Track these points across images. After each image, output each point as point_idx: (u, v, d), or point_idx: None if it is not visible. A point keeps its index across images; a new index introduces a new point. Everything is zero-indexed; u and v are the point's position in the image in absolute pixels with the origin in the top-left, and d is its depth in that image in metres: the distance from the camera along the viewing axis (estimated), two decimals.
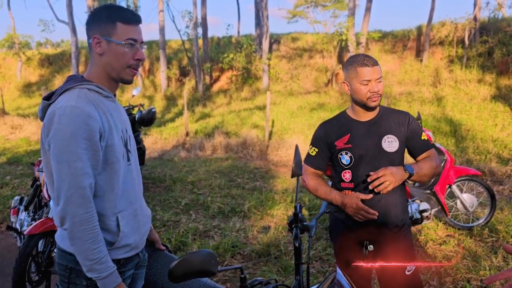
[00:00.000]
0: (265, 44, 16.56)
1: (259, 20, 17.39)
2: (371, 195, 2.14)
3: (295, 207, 1.80)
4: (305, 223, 1.79)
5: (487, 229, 4.65)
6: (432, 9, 15.24)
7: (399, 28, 18.66)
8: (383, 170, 2.06)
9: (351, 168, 2.19)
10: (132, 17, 1.60)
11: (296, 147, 1.92)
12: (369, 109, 2.16)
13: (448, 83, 13.70)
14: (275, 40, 19.35)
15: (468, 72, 13.77)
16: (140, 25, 1.65)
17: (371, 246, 2.23)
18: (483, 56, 14.19)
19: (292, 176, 1.87)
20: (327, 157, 2.28)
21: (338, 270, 1.54)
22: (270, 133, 11.00)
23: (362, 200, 2.13)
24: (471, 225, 4.73)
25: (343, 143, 2.18)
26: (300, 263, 1.70)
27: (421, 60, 15.20)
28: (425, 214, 4.34)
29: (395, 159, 2.18)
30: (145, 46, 1.70)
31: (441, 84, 13.77)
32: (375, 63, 2.09)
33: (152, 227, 2.00)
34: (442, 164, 4.67)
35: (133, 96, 7.22)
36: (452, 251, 4.16)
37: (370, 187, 2.07)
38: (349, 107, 2.29)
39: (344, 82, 2.19)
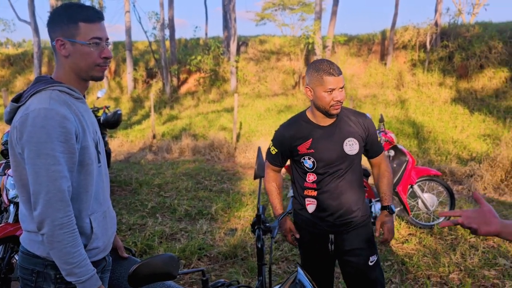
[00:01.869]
0: (233, 47, 16.57)
1: (227, 22, 17.39)
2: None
3: (258, 209, 1.82)
4: (267, 224, 1.81)
5: (446, 227, 4.82)
6: (396, 14, 15.66)
7: (364, 32, 19.09)
8: (386, 236, 2.39)
9: (314, 171, 2.25)
10: (94, 15, 1.57)
11: (259, 149, 1.94)
12: (330, 116, 2.20)
13: (411, 86, 14.10)
14: (243, 42, 19.39)
15: (430, 76, 14.23)
16: (103, 21, 1.62)
17: (334, 241, 2.35)
18: (443, 60, 14.69)
19: (255, 178, 1.88)
20: (286, 158, 2.38)
21: (299, 270, 1.57)
22: (238, 135, 11.01)
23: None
24: (431, 223, 4.89)
25: (305, 148, 2.22)
26: (263, 264, 1.71)
27: (385, 64, 15.59)
28: None
29: (355, 161, 2.29)
30: (110, 43, 1.67)
31: (404, 87, 14.16)
32: (339, 72, 2.12)
33: (115, 234, 1.97)
34: (404, 165, 4.81)
35: (98, 98, 7.07)
36: (413, 249, 4.28)
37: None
38: (308, 108, 2.32)
39: (307, 87, 2.19)
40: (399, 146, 4.91)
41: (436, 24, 15.37)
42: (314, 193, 2.27)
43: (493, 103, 12.24)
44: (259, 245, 1.71)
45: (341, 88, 2.12)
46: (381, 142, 4.75)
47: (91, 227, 1.58)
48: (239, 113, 12.63)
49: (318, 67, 2.12)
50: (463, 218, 1.37)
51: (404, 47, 15.89)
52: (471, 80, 13.68)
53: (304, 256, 2.45)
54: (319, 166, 2.22)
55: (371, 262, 2.31)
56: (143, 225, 5.01)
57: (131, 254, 2.09)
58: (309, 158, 2.23)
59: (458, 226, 4.76)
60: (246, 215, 5.33)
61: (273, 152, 2.36)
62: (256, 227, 1.78)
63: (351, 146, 2.24)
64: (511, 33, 14.24)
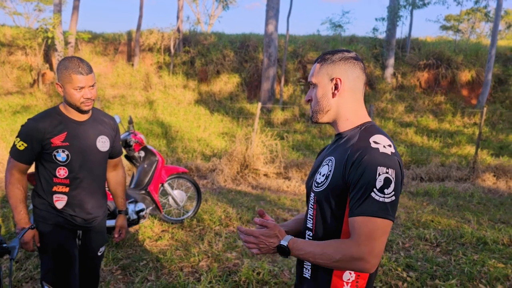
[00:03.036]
0: None
1: None
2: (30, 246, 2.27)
3: None
4: (4, 245, 1.58)
5: (195, 219, 5.23)
6: (141, 17, 15.92)
7: (110, 31, 18.69)
8: (124, 236, 2.56)
9: (67, 165, 2.26)
10: None
11: None
12: (82, 112, 2.27)
13: (158, 87, 14.62)
14: None
15: (175, 78, 15.07)
16: None
17: (82, 237, 2.47)
18: (186, 65, 15.79)
19: None
20: (36, 153, 2.25)
21: (45, 286, 1.44)
22: None
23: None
24: (182, 218, 5.21)
25: (60, 141, 2.22)
26: None
27: (133, 65, 15.68)
28: (141, 213, 4.52)
29: (105, 158, 2.47)
30: None
31: (152, 88, 14.58)
32: (89, 71, 2.18)
33: None
34: (154, 165, 4.97)
35: None
36: (167, 244, 4.48)
37: None
38: (61, 103, 2.32)
39: (57, 84, 2.22)
40: (149, 147, 5.04)
41: (178, 30, 16.37)
42: (66, 189, 2.28)
43: (229, 105, 13.91)
44: None
45: (91, 86, 2.19)
46: (131, 143, 4.81)
47: None
48: None
49: (67, 65, 2.15)
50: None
51: (150, 49, 16.33)
52: (210, 83, 15.17)
53: (54, 258, 2.34)
54: (73, 159, 2.25)
55: (100, 252, 2.57)
56: None
57: None
58: (63, 151, 2.23)
59: (205, 217, 5.25)
60: None
61: (21, 148, 2.20)
62: None
63: (103, 143, 2.38)
64: (240, 44, 16.44)
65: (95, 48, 16.45)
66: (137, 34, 15.70)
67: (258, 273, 3.75)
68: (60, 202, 2.29)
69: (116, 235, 2.59)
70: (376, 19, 16.59)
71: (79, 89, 2.15)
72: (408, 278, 3.79)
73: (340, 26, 16.57)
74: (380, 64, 16.11)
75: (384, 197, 1.27)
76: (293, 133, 11.81)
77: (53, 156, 2.23)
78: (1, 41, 16.08)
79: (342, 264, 1.30)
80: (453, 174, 8.90)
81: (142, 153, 4.98)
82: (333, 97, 1.47)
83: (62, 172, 2.26)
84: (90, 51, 16.23)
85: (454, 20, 27.31)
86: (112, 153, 2.54)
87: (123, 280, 3.68)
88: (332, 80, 1.46)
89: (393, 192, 1.28)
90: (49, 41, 14.34)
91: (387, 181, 1.28)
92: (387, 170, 1.29)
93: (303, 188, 7.79)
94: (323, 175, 1.45)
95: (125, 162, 7.97)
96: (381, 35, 16.96)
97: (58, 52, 14.23)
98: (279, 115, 13.19)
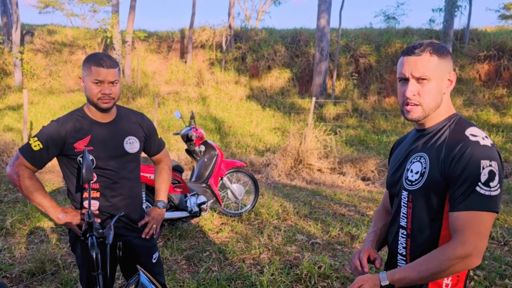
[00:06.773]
0: (16, 35, 14.55)
1: (6, 6, 15.15)
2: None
3: (88, 215, 1.68)
4: (100, 231, 1.69)
5: (253, 213, 5.30)
6: (193, 14, 16.25)
7: (163, 29, 19.24)
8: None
9: (94, 170, 2.08)
10: None
11: (85, 150, 1.79)
12: (101, 110, 2.09)
13: (210, 83, 14.88)
14: (28, 31, 17.21)
15: (227, 74, 15.28)
16: None
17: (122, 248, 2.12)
18: (238, 61, 15.96)
19: (83, 183, 1.74)
20: (51, 157, 2.08)
21: (141, 273, 1.52)
22: (29, 136, 9.78)
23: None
24: (240, 211, 5.30)
25: (83, 146, 2.06)
26: (99, 273, 1.60)
27: (186, 62, 16.04)
28: (203, 206, 4.65)
29: (136, 159, 2.27)
30: None
31: (205, 84, 14.86)
32: (113, 65, 2.02)
33: None
34: (214, 159, 5.08)
35: None
36: (228, 237, 4.58)
37: None
38: (86, 104, 2.17)
39: (80, 78, 2.10)
40: (209, 141, 5.16)
41: (230, 26, 16.56)
42: (97, 194, 2.11)
43: (280, 100, 13.93)
44: (94, 254, 1.59)
45: (112, 82, 2.02)
46: (193, 138, 4.94)
47: None
48: (29, 111, 11.23)
49: (90, 57, 2.04)
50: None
51: (203, 46, 16.64)
52: (262, 79, 15.25)
53: (85, 270, 2.16)
54: (99, 164, 2.09)
55: (154, 259, 2.34)
56: None
57: None
58: (88, 156, 2.03)
59: (262, 211, 5.31)
60: (51, 224, 4.81)
61: (36, 148, 2.00)
62: (88, 235, 1.65)
63: (132, 144, 2.20)
64: (291, 39, 16.38)
65: (149, 46, 16.98)
66: (190, 31, 16.04)
67: (320, 267, 3.76)
68: (92, 208, 2.11)
69: (146, 229, 2.30)
70: (433, 10, 16.01)
71: (98, 83, 1.98)
72: (476, 277, 3.66)
73: (394, 18, 16.12)
74: None
75: (490, 190, 1.25)
76: (345, 128, 11.66)
77: (79, 162, 2.07)
78: (63, 41, 16.97)
79: (452, 270, 1.28)
80: None
81: (203, 148, 5.10)
82: (444, 93, 1.41)
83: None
84: (145, 49, 16.77)
85: None
86: (150, 151, 2.39)
87: (188, 270, 3.81)
88: (449, 74, 1.40)
89: (498, 185, 1.26)
90: (108, 40, 14.95)
91: (491, 174, 1.26)
92: (490, 163, 1.26)
93: (358, 183, 7.68)
94: (416, 173, 1.42)
95: (185, 155, 8.20)
96: (438, 27, 16.32)
97: (116, 51, 14.81)
98: (331, 110, 13.05)
